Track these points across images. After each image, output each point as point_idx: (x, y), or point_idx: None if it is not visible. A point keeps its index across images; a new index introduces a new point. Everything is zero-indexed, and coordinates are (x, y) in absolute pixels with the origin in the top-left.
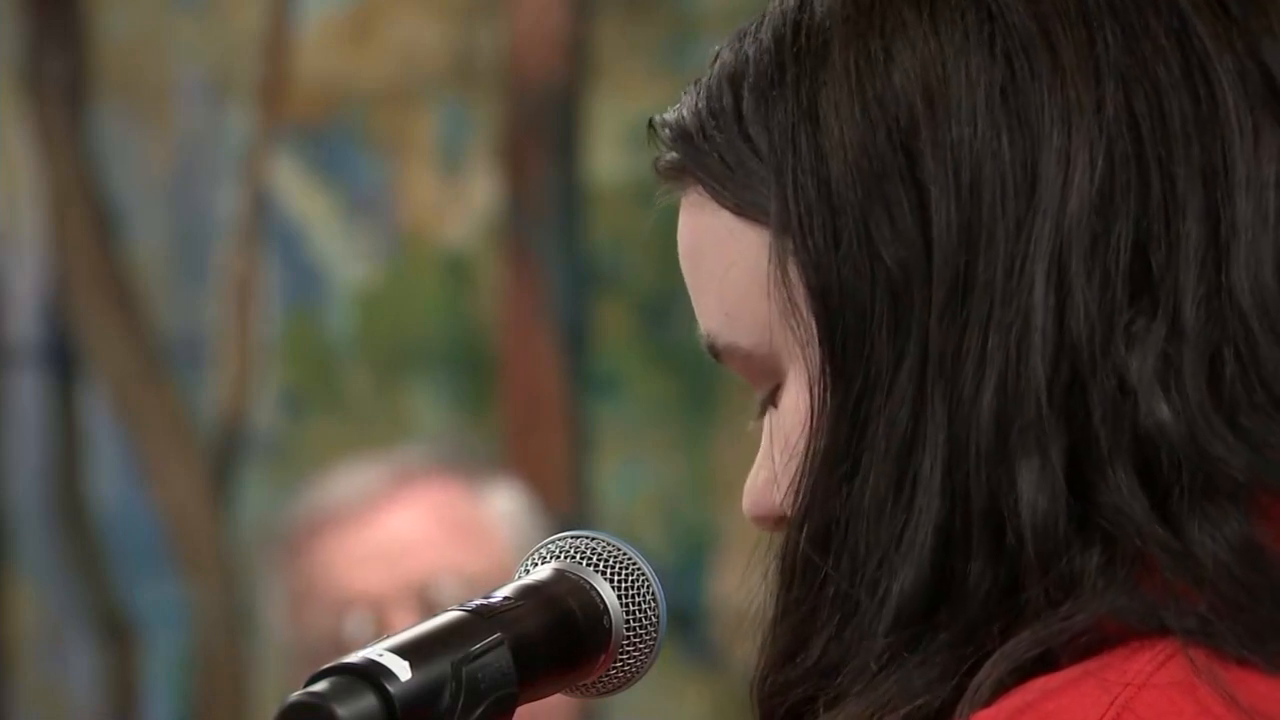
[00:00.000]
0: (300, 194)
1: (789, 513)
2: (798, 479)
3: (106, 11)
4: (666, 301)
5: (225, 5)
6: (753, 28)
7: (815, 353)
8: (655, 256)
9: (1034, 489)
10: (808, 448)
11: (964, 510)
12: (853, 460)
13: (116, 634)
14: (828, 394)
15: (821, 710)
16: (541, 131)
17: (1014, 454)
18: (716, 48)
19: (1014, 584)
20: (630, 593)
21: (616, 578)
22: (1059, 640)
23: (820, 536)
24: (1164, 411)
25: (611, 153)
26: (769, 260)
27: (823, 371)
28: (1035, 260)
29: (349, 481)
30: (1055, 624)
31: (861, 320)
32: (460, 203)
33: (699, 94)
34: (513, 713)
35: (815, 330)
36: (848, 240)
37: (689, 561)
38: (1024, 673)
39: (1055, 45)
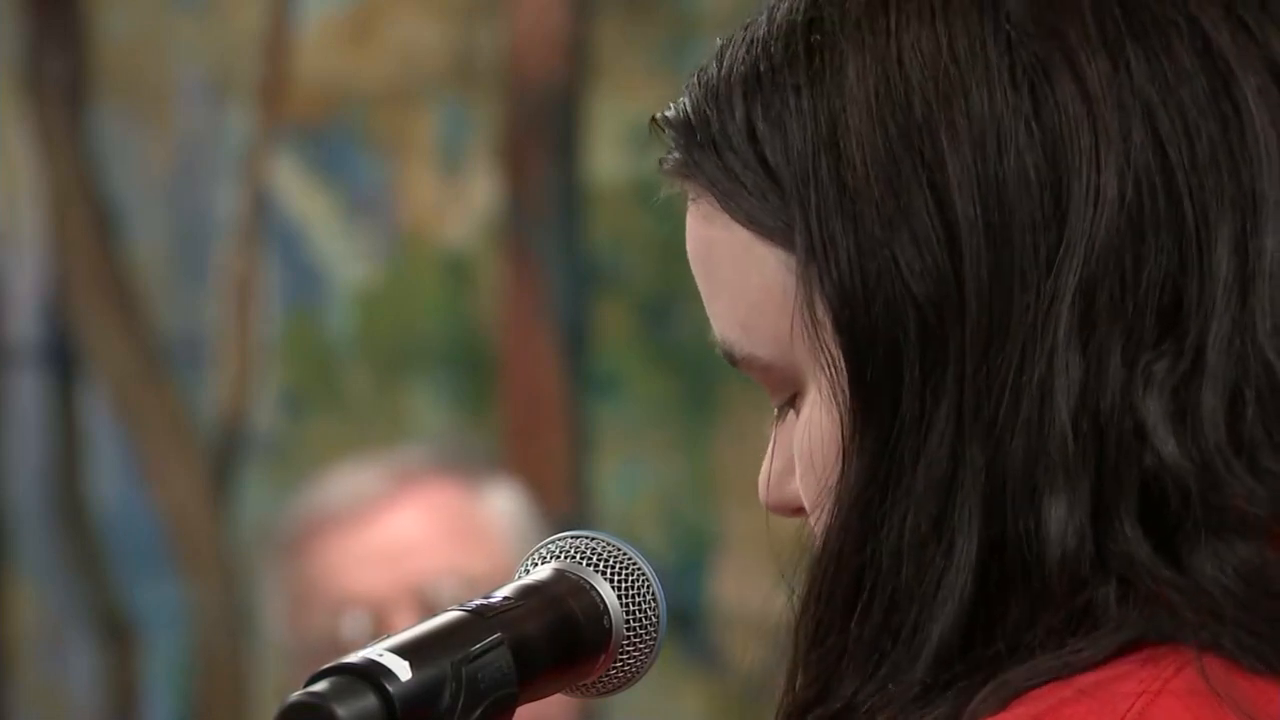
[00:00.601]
0: (300, 194)
1: (815, 525)
2: (824, 512)
3: (106, 11)
4: (666, 301)
5: (225, 5)
6: (760, 32)
7: (844, 387)
8: (655, 256)
9: (1061, 527)
10: (839, 485)
11: (1000, 552)
12: (888, 501)
13: (116, 634)
14: (857, 430)
15: None
16: (541, 131)
17: (1042, 493)
18: (719, 40)
19: (1037, 616)
20: (630, 593)
21: (616, 578)
22: (1063, 674)
23: (854, 580)
24: (1172, 451)
25: (611, 153)
26: (795, 293)
27: (852, 407)
28: (1063, 298)
29: (349, 482)
30: (1065, 657)
31: (893, 357)
32: (460, 203)
33: (705, 95)
34: (513, 713)
35: (844, 365)
36: (876, 276)
37: (689, 561)
38: (1026, 690)
39: (1080, 74)
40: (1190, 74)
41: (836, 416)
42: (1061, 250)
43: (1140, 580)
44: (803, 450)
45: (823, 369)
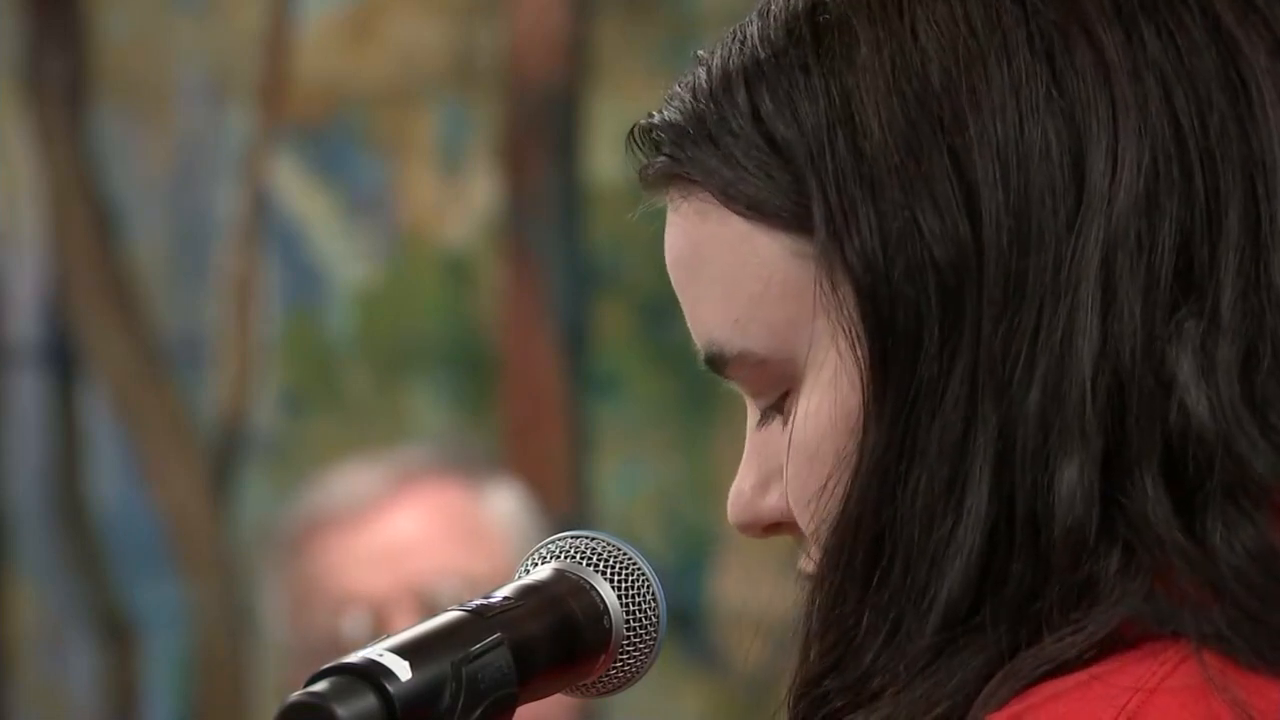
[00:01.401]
0: (300, 194)
1: (811, 523)
2: (844, 484)
3: (106, 11)
4: (666, 301)
5: (225, 5)
6: (754, 27)
7: (864, 355)
8: (655, 256)
9: (1072, 490)
10: (857, 452)
11: (1009, 512)
12: (905, 464)
13: (116, 634)
14: (876, 397)
15: (855, 709)
16: (541, 131)
17: (1055, 455)
18: (700, 51)
19: (1042, 582)
20: (630, 593)
21: (616, 578)
22: (1069, 654)
23: (873, 545)
24: (1201, 407)
25: (611, 153)
26: (814, 264)
27: (871, 375)
28: (1083, 260)
29: (350, 482)
30: (1067, 637)
31: (913, 322)
32: (460, 203)
33: (696, 97)
34: (513, 713)
35: (864, 333)
36: (897, 242)
37: (689, 561)
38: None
39: (1097, 43)
40: (1200, 47)
41: (858, 388)
42: (1080, 214)
43: (1147, 547)
44: (802, 443)
45: (843, 340)
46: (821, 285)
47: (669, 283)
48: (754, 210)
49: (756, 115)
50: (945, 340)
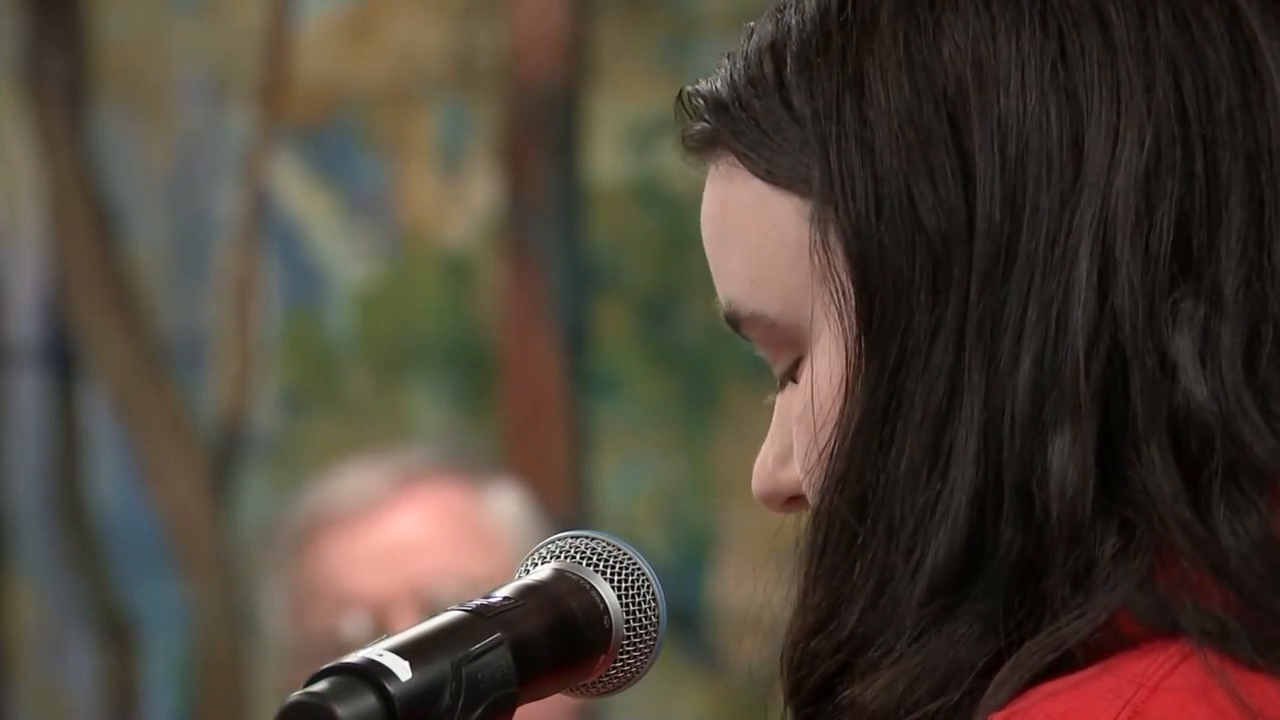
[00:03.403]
0: (300, 194)
1: (808, 490)
2: (833, 445)
3: (106, 11)
4: (666, 301)
5: (225, 5)
6: (791, 3)
7: (852, 320)
8: (655, 256)
9: (1065, 462)
10: (842, 414)
11: (997, 480)
12: (890, 427)
13: (116, 634)
14: (864, 361)
15: (852, 681)
16: (541, 131)
17: (1048, 426)
18: (751, 24)
19: (1039, 558)
20: (630, 593)
21: (616, 578)
22: (1071, 642)
23: (857, 503)
24: (1202, 390)
25: (611, 153)
26: (810, 225)
27: (859, 338)
28: (1079, 234)
29: (352, 482)
30: (1068, 624)
31: (900, 287)
32: (460, 203)
33: (735, 65)
34: (513, 713)
35: (853, 297)
36: (890, 207)
37: (689, 561)
38: (1040, 678)
39: (1108, 24)
40: (1215, 36)
41: (843, 350)
42: (1077, 190)
43: (1150, 519)
44: (804, 410)
45: (833, 302)
46: (815, 248)
47: (669, 283)
48: (771, 174)
49: (780, 81)
50: (933, 307)
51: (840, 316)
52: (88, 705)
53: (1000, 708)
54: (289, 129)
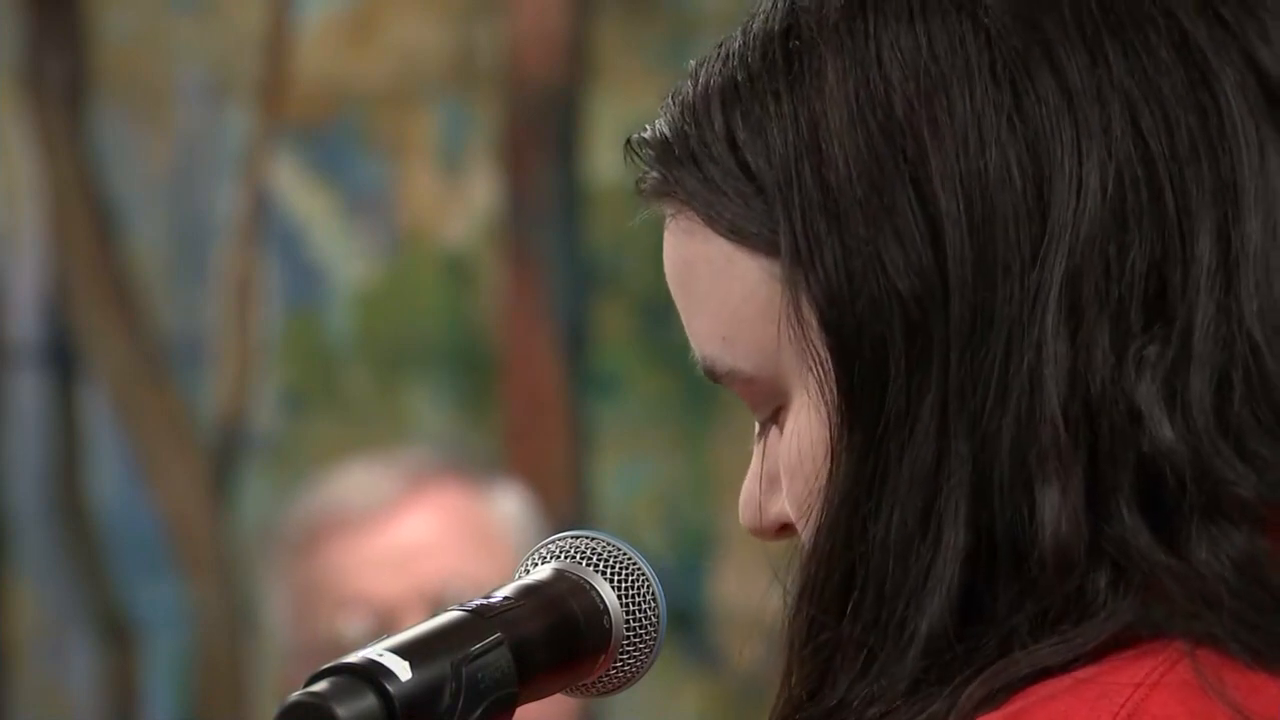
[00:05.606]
0: (300, 194)
1: (799, 530)
2: (814, 514)
3: (106, 11)
4: (666, 301)
5: (225, 5)
6: (737, 44)
7: (832, 388)
8: (655, 256)
9: (1055, 514)
10: (829, 482)
11: (989, 541)
12: (877, 498)
13: (116, 634)
14: (847, 429)
15: None
16: (541, 131)
17: (1034, 481)
18: (692, 62)
19: (1035, 609)
20: (630, 593)
21: (616, 578)
22: (1053, 662)
23: (845, 578)
24: (1168, 433)
25: (611, 153)
26: (781, 288)
27: (840, 407)
28: (1048, 288)
29: (357, 484)
30: (1053, 646)
31: (879, 355)
32: (460, 203)
33: (683, 113)
34: (513, 713)
35: (831, 365)
36: (861, 274)
37: (689, 561)
38: (1020, 687)
39: (1059, 68)
40: (1168, 67)
41: (825, 418)
42: (1045, 242)
43: (1135, 567)
44: (790, 460)
45: (810, 371)
46: (788, 314)
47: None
48: (735, 234)
49: (733, 141)
50: (912, 372)
51: (820, 386)
52: (88, 705)
53: (993, 709)
54: (289, 129)
